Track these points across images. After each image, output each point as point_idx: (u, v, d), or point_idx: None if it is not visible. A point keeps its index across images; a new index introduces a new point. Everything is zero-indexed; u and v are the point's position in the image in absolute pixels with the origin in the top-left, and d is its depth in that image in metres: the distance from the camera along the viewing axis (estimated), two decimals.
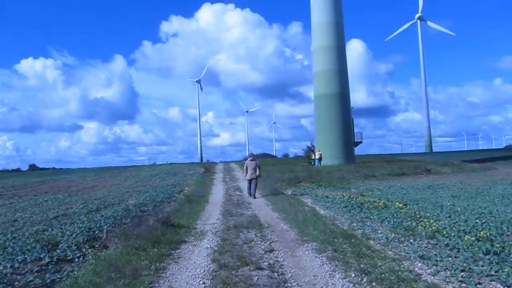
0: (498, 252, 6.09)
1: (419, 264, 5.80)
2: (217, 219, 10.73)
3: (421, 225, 8.34)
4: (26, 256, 7.11)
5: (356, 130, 39.96)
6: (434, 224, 8.33)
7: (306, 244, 7.45)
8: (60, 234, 9.04)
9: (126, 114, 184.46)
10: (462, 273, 5.26)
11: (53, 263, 6.80)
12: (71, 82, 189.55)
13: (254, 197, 15.45)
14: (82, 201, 16.97)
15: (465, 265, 5.56)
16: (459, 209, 10.71)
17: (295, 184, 20.96)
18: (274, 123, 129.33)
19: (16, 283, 5.77)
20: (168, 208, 13.45)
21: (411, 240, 7.28)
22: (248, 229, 9.11)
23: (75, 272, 6.19)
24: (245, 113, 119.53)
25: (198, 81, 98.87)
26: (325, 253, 6.66)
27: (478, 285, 4.90)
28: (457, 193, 15.42)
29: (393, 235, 7.62)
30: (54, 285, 5.69)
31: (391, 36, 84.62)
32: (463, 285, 4.94)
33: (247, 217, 10.91)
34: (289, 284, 5.32)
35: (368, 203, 11.83)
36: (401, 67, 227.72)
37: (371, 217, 9.89)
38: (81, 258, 7.12)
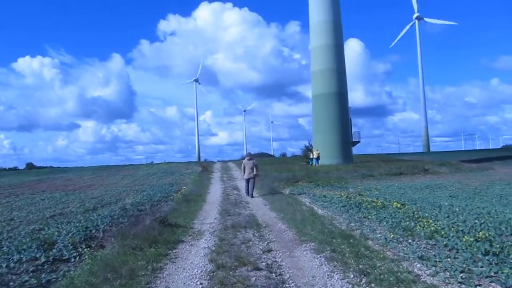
0: (497, 253, 6.07)
1: (418, 265, 5.76)
2: (215, 219, 10.67)
3: (420, 225, 8.31)
4: (21, 256, 7.04)
5: (354, 129, 39.98)
6: (433, 224, 8.31)
7: (304, 244, 7.41)
8: (56, 233, 8.98)
9: (123, 113, 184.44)
10: (462, 274, 5.22)
11: (49, 263, 6.73)
12: (68, 80, 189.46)
13: (252, 197, 15.42)
14: (79, 200, 16.88)
15: (464, 266, 5.52)
16: (457, 209, 10.69)
17: (293, 184, 20.93)
18: (272, 122, 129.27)
19: (11, 283, 5.70)
20: (166, 207, 13.40)
21: (410, 241, 7.24)
22: (246, 228, 9.06)
23: (71, 272, 6.13)
24: (243, 112, 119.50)
25: (196, 80, 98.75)
26: (324, 254, 6.61)
27: (477, 287, 4.86)
28: (455, 193, 15.41)
29: (392, 235, 7.59)
30: (50, 285, 5.63)
31: (394, 42, 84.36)
32: (463, 286, 4.90)
33: (244, 216, 10.86)
34: (287, 285, 5.27)
35: (366, 203, 11.81)
36: (399, 67, 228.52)
37: (369, 217, 9.86)
38: (77, 258, 7.06)
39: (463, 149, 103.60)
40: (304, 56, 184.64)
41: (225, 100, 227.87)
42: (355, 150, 41.26)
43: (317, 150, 36.26)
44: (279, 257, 6.70)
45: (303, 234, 8.14)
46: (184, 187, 19.77)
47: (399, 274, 5.28)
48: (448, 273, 5.32)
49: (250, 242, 7.70)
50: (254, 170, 15.73)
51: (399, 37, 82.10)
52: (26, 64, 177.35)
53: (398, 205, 11.06)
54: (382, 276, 5.22)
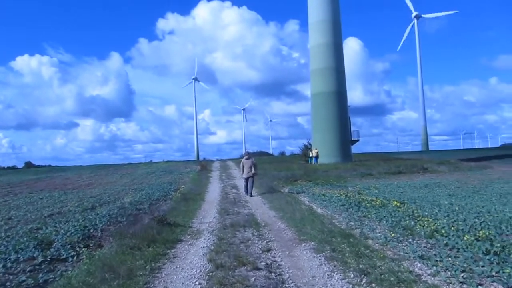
0: (498, 252, 6.02)
1: (419, 265, 5.71)
2: (214, 218, 10.62)
3: (420, 224, 8.27)
4: (19, 256, 6.99)
5: (353, 128, 40.00)
6: (433, 223, 8.26)
7: (304, 244, 7.36)
8: (54, 232, 8.92)
9: (122, 111, 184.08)
10: (463, 274, 5.17)
11: (46, 262, 6.68)
12: (67, 79, 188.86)
13: (251, 195, 15.38)
14: (78, 199, 16.84)
15: (465, 265, 5.48)
16: (457, 208, 10.66)
17: (291, 182, 20.89)
18: (270, 120, 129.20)
19: (8, 283, 5.64)
20: (164, 206, 13.34)
21: (410, 240, 7.20)
22: (245, 228, 9.00)
23: (69, 272, 6.06)
24: (242, 111, 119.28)
25: (195, 79, 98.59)
26: (323, 253, 6.56)
27: (479, 286, 4.82)
28: (454, 192, 15.39)
29: (392, 234, 7.54)
30: (47, 285, 5.57)
31: (400, 44, 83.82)
32: (464, 286, 4.85)
33: (243, 215, 10.81)
34: (287, 285, 5.21)
35: (366, 202, 11.77)
36: (398, 66, 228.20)
37: (369, 216, 9.81)
38: (75, 258, 7.00)
39: (461, 148, 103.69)
40: (303, 55, 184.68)
41: (224, 99, 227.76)
42: (354, 149, 41.33)
43: (316, 149, 36.23)
44: (278, 256, 6.64)
45: (303, 233, 8.09)
46: (183, 186, 19.72)
47: (399, 274, 5.22)
48: (449, 273, 5.27)
49: (249, 242, 7.65)
50: (253, 169, 15.68)
51: (403, 38, 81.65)
52: (24, 62, 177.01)
53: (398, 204, 11.01)
54: (382, 276, 5.17)
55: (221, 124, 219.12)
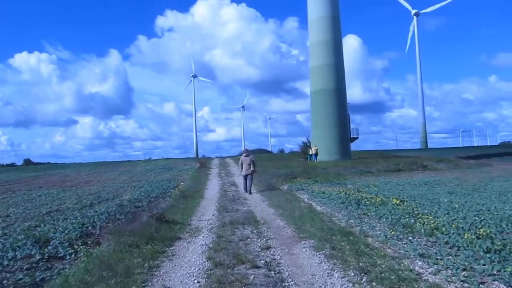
0: (499, 250, 5.97)
1: (419, 263, 5.66)
2: (213, 215, 10.57)
3: (420, 222, 8.23)
4: (16, 253, 6.95)
5: (352, 126, 39.89)
6: (433, 221, 8.22)
7: (303, 242, 7.31)
8: (52, 230, 8.88)
9: (121, 109, 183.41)
10: (464, 272, 5.13)
11: (44, 260, 6.64)
12: (65, 76, 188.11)
13: (250, 193, 15.34)
14: (76, 196, 16.79)
15: (466, 263, 5.43)
16: (456, 205, 10.62)
17: (291, 180, 20.86)
18: (270, 118, 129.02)
19: (5, 281, 5.60)
20: (163, 203, 13.30)
21: (410, 238, 7.15)
22: (244, 225, 8.95)
23: (66, 270, 6.02)
24: (241, 108, 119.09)
25: (194, 76, 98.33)
26: (323, 251, 6.51)
27: (481, 285, 4.77)
28: (454, 190, 15.39)
29: (392, 232, 7.50)
30: (44, 284, 5.52)
31: (407, 46, 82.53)
32: (466, 285, 4.80)
33: (242, 213, 10.77)
34: (286, 284, 5.16)
35: (365, 199, 11.72)
36: (397, 63, 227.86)
37: (369, 213, 9.78)
38: (73, 255, 6.96)
39: (460, 146, 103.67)
40: (302, 52, 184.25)
41: (223, 96, 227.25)
42: (353, 146, 41.24)
43: (315, 146, 36.17)
44: (278, 254, 6.59)
45: (302, 231, 8.04)
46: (182, 183, 19.67)
47: (400, 272, 5.17)
48: (450, 271, 5.22)
49: (248, 239, 7.60)
50: (252, 166, 15.64)
51: (409, 38, 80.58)
52: (23, 60, 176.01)
53: (397, 202, 10.98)
54: (383, 274, 5.11)
55: (220, 122, 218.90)
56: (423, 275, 5.15)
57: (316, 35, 38.01)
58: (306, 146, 41.05)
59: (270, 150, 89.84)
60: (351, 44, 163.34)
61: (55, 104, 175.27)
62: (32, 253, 6.96)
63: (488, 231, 7.10)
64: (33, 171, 40.47)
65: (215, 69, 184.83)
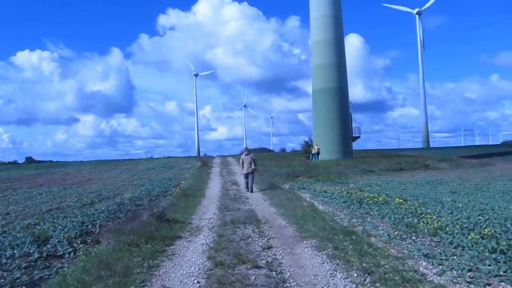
0: (504, 250, 5.86)
1: (424, 263, 5.56)
2: (214, 214, 10.48)
3: (423, 222, 8.13)
4: (14, 251, 6.87)
5: (354, 125, 39.75)
6: (436, 220, 8.12)
7: (305, 241, 7.21)
8: (52, 228, 8.80)
9: (123, 107, 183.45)
10: (470, 273, 5.02)
11: (42, 259, 6.55)
12: (67, 74, 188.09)
13: (251, 191, 15.27)
14: (77, 194, 16.71)
15: (471, 264, 5.32)
16: (460, 205, 10.51)
17: (292, 179, 20.77)
18: (271, 117, 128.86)
19: (2, 280, 5.51)
20: (164, 202, 13.22)
21: (414, 238, 7.04)
22: (245, 224, 8.86)
23: (65, 269, 5.93)
24: (243, 107, 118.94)
25: (196, 75, 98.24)
26: (325, 251, 6.41)
27: (487, 286, 4.67)
28: (457, 189, 15.27)
29: (395, 232, 7.39)
30: (42, 283, 5.43)
31: (423, 44, 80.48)
32: (472, 286, 4.70)
33: (244, 212, 10.68)
34: (288, 284, 5.05)
35: (368, 199, 11.63)
36: (398, 62, 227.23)
37: (371, 213, 9.68)
38: (72, 254, 6.88)
39: (462, 145, 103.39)
40: (303, 51, 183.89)
41: (225, 95, 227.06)
42: (355, 146, 41.10)
43: (317, 145, 36.07)
44: (279, 254, 6.49)
45: (304, 231, 7.94)
46: (183, 182, 19.60)
47: (404, 273, 5.07)
48: (455, 272, 5.12)
49: (250, 239, 7.50)
50: (253, 165, 15.56)
51: (420, 37, 79.67)
52: (25, 58, 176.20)
53: (400, 201, 10.88)
54: (387, 275, 5.01)
55: (221, 120, 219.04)
56: (427, 276, 5.05)
57: (318, 34, 37.88)
58: (308, 145, 40.91)
59: (272, 149, 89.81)
60: (353, 43, 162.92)
61: (57, 102, 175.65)
62: (31, 251, 6.88)
63: (493, 231, 6.99)
64: (35, 169, 40.43)
65: (216, 68, 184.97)
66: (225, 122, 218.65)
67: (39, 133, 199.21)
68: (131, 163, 41.69)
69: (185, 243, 7.45)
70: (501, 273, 4.99)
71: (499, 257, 5.54)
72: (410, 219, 8.52)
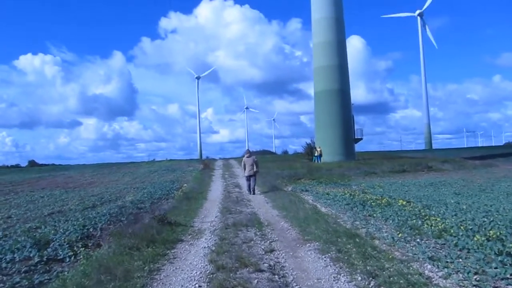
0: (510, 253, 5.75)
1: (429, 266, 5.47)
2: (216, 217, 10.42)
3: (427, 224, 8.03)
4: (15, 255, 6.81)
5: (356, 126, 39.64)
6: (441, 222, 8.02)
7: (308, 244, 7.13)
8: (53, 232, 8.74)
9: (125, 110, 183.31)
10: (476, 276, 4.93)
11: (42, 263, 6.49)
12: (70, 78, 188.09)
13: (254, 193, 15.23)
14: (79, 197, 16.71)
15: (477, 267, 5.22)
16: (464, 206, 10.41)
17: (295, 181, 20.72)
18: (274, 120, 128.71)
19: (1, 284, 5.46)
20: (166, 205, 13.16)
21: (418, 240, 6.95)
22: (248, 227, 8.79)
23: (65, 273, 5.86)
24: (245, 109, 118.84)
25: (198, 78, 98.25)
26: (329, 254, 6.33)
27: None
28: (460, 190, 15.17)
29: (399, 234, 7.30)
30: (42, 287, 5.37)
31: (434, 42, 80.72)
32: None
33: (246, 214, 10.60)
34: None
35: (371, 201, 11.54)
36: (400, 64, 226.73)
37: (375, 215, 9.59)
38: (72, 258, 6.81)
39: (465, 146, 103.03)
40: (305, 53, 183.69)
41: (226, 98, 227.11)
42: (357, 147, 40.97)
43: (319, 147, 35.99)
44: (282, 257, 6.41)
45: (307, 233, 7.86)
46: (185, 185, 19.55)
47: (409, 276, 4.98)
48: (461, 275, 5.02)
49: (252, 242, 7.43)
50: (255, 167, 15.51)
51: (430, 36, 79.55)
52: (27, 61, 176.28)
53: (404, 203, 10.78)
54: (391, 278, 4.91)
55: (223, 123, 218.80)
56: (433, 279, 4.96)
57: (320, 36, 37.83)
58: (310, 147, 40.81)
59: (274, 151, 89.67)
60: (354, 45, 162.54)
61: (59, 105, 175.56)
62: (31, 255, 6.82)
63: (498, 232, 6.88)
64: (37, 172, 40.48)
65: (218, 70, 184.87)
66: (227, 124, 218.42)
67: (42, 136, 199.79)
68: (133, 166, 41.67)
69: (186, 246, 7.38)
70: (508, 276, 4.89)
71: (505, 260, 5.44)
72: (414, 221, 8.43)
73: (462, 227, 7.53)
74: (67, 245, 7.46)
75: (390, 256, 5.90)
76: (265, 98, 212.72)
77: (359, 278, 5.11)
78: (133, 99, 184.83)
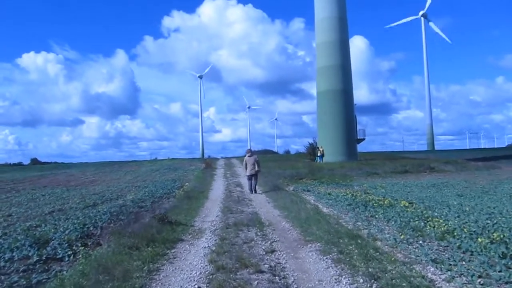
0: None
1: (432, 269, 5.38)
2: (216, 216, 10.35)
3: (430, 225, 7.96)
4: (13, 254, 6.78)
5: (358, 127, 39.53)
6: (443, 224, 7.94)
7: (310, 245, 7.06)
8: (53, 230, 8.71)
9: (127, 109, 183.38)
10: (480, 280, 4.84)
11: (41, 262, 6.46)
12: (72, 76, 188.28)
13: (255, 192, 15.17)
14: (80, 196, 16.67)
15: (481, 270, 5.15)
16: (467, 208, 10.33)
17: (296, 181, 20.64)
18: (276, 119, 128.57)
19: None
20: (167, 204, 13.12)
21: (421, 242, 6.87)
22: (248, 227, 8.72)
23: (64, 273, 5.81)
24: (247, 109, 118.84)
25: (200, 77, 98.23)
26: (330, 255, 6.25)
27: None
28: (463, 192, 15.05)
29: (401, 236, 7.21)
30: (39, 287, 5.32)
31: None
32: None
33: (247, 214, 10.54)
34: None
35: (373, 201, 11.48)
36: (403, 65, 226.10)
37: (377, 216, 9.51)
38: (71, 257, 6.78)
39: (468, 148, 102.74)
40: (308, 53, 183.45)
41: (229, 97, 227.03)
42: (359, 148, 40.85)
43: (322, 147, 35.90)
44: (283, 258, 6.34)
45: (308, 234, 7.79)
46: (187, 184, 19.51)
47: (412, 279, 4.90)
48: (465, 278, 4.94)
49: (253, 242, 7.36)
50: (256, 166, 15.46)
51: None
52: (30, 59, 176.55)
53: (406, 204, 10.70)
54: (394, 281, 4.83)
55: (226, 122, 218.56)
56: (436, 282, 4.88)
57: (323, 36, 37.70)
58: (312, 147, 40.72)
59: (276, 151, 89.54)
60: (357, 45, 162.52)
61: (62, 104, 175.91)
62: (30, 254, 6.79)
63: (502, 235, 6.80)
64: (39, 170, 40.55)
65: (221, 70, 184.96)
66: (229, 124, 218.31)
67: (44, 134, 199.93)
68: (135, 165, 41.70)
69: (186, 246, 7.31)
70: None
71: (509, 263, 5.38)
72: (417, 222, 8.36)
73: (465, 229, 7.45)
74: (67, 244, 7.44)
75: (393, 258, 5.82)
76: (267, 98, 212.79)
77: (361, 280, 5.03)
78: (136, 98, 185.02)
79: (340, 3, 37.30)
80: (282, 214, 10.53)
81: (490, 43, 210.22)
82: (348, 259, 5.92)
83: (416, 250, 6.36)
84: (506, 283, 4.75)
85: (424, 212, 9.62)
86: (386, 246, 6.72)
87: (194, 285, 5.14)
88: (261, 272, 5.54)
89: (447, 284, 4.81)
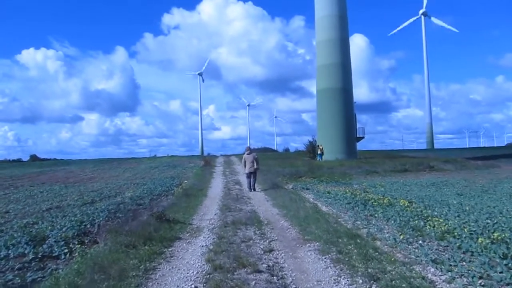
0: None
1: (432, 269, 5.31)
2: (215, 214, 10.28)
3: (429, 225, 7.89)
4: (9, 252, 6.71)
5: (358, 125, 39.45)
6: (443, 223, 7.88)
7: (308, 244, 6.99)
8: (50, 227, 8.64)
9: (127, 106, 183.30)
10: (480, 281, 4.77)
11: (37, 260, 6.39)
12: (72, 73, 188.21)
13: (254, 190, 15.11)
14: (78, 193, 16.59)
15: (482, 271, 5.07)
16: (467, 208, 10.26)
17: (296, 179, 20.55)
18: (276, 117, 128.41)
19: None
20: (165, 201, 13.05)
21: (420, 242, 6.80)
22: (247, 226, 8.65)
23: (60, 271, 5.73)
24: (247, 106, 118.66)
25: (200, 74, 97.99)
26: (329, 255, 6.19)
27: None
28: (462, 191, 14.99)
29: (401, 235, 7.14)
30: (34, 285, 5.25)
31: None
32: None
33: (246, 212, 10.47)
34: None
35: (372, 200, 11.40)
36: (403, 63, 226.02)
37: (376, 215, 9.45)
38: (67, 255, 6.70)
39: (467, 147, 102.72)
40: (308, 51, 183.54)
41: (229, 94, 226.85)
42: (359, 146, 40.76)
43: (321, 145, 35.83)
44: (281, 258, 6.27)
45: (307, 233, 7.72)
46: (186, 181, 19.43)
47: (412, 279, 4.83)
48: (465, 279, 4.87)
49: (251, 241, 7.29)
50: (255, 164, 15.39)
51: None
52: (30, 56, 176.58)
53: (406, 203, 10.63)
54: (393, 282, 4.76)
55: (225, 120, 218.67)
56: (436, 283, 4.81)
57: (323, 34, 37.57)
58: (312, 145, 40.63)
59: (275, 148, 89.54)
60: (358, 43, 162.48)
61: (61, 100, 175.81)
62: (26, 251, 6.71)
63: (503, 235, 6.74)
64: (39, 167, 40.44)
65: (220, 67, 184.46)
66: (229, 121, 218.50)
67: (44, 131, 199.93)
68: (134, 162, 41.61)
69: (184, 244, 7.24)
70: None
71: (510, 264, 5.31)
72: (416, 222, 8.29)
73: (465, 229, 7.40)
74: (63, 242, 7.36)
75: (392, 258, 5.76)
76: (267, 95, 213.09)
77: (360, 281, 4.96)
78: (135, 95, 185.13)
79: (340, 1, 37.16)
80: (280, 212, 10.46)
81: (490, 42, 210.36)
82: (347, 259, 5.86)
83: (416, 250, 6.29)
84: (508, 284, 4.68)
85: (424, 211, 9.55)
86: (386, 246, 6.65)
87: (191, 284, 5.07)
88: (259, 271, 5.47)
89: (448, 286, 4.75)
